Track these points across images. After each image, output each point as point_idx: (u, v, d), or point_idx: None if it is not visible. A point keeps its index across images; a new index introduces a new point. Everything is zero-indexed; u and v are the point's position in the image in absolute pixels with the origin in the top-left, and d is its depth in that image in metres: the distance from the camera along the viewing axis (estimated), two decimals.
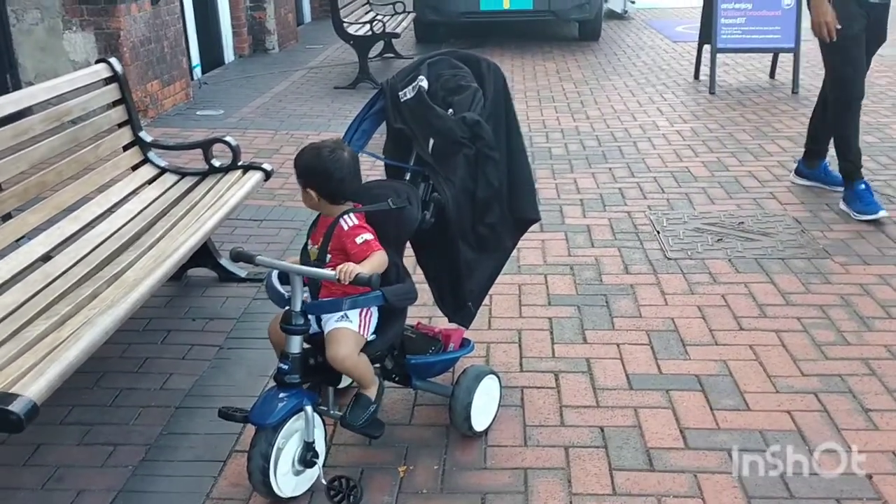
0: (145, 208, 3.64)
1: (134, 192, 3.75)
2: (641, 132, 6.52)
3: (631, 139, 6.33)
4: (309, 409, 2.37)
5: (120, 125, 3.86)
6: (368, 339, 2.47)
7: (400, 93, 2.60)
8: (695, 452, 2.65)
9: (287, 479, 2.38)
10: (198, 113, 7.37)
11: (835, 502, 2.43)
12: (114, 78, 3.83)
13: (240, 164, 3.93)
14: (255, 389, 2.88)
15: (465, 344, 2.85)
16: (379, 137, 2.70)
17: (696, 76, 8.46)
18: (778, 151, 5.88)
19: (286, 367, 2.36)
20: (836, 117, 4.65)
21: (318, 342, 2.46)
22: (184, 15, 8.14)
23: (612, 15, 13.31)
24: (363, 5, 10.18)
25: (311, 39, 11.57)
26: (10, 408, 2.05)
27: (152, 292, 2.84)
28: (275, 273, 2.47)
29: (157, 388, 3.07)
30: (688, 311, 3.59)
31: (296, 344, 2.36)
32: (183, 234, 3.28)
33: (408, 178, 2.62)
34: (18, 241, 3.06)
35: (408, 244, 2.65)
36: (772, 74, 8.34)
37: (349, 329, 2.41)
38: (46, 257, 3.07)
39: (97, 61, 3.92)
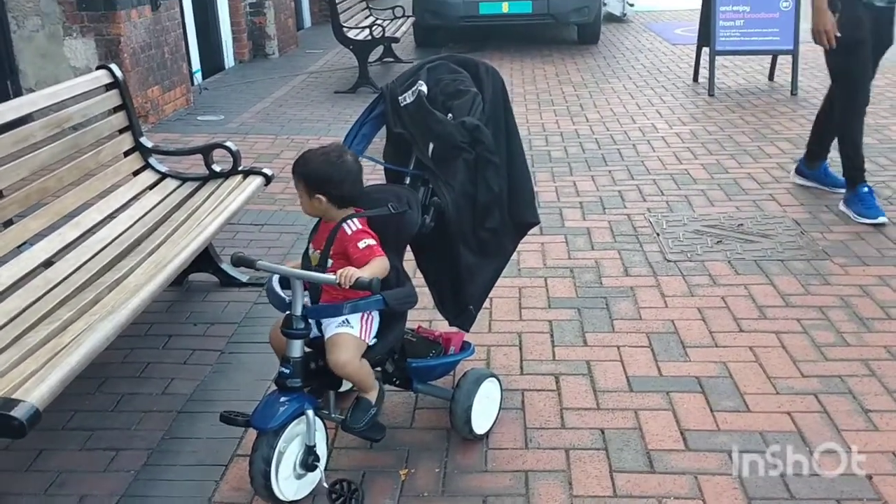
0: (146, 214, 3.65)
1: (135, 198, 3.76)
2: (641, 135, 6.53)
3: (630, 142, 6.34)
4: (310, 412, 2.37)
5: (121, 131, 3.88)
6: (369, 344, 2.48)
7: (400, 97, 2.61)
8: (695, 454, 2.66)
9: (289, 482, 2.39)
10: (198, 118, 7.39)
11: (835, 503, 2.43)
12: (114, 84, 3.84)
13: (240, 169, 3.95)
14: (257, 394, 2.88)
15: (465, 347, 2.86)
16: (379, 142, 2.71)
17: (695, 79, 8.47)
18: (777, 153, 5.89)
19: (287, 371, 2.36)
20: (842, 122, 4.65)
21: (318, 346, 2.47)
22: (184, 20, 8.16)
23: (611, 18, 13.33)
24: (363, 10, 10.20)
25: (311, 44, 11.59)
26: (12, 413, 2.06)
27: (153, 298, 2.84)
28: (275, 277, 2.48)
29: (158, 392, 3.08)
30: (688, 313, 3.60)
31: (297, 348, 2.37)
32: (184, 240, 3.29)
33: (407, 182, 2.63)
34: (20, 247, 3.06)
35: (408, 248, 2.66)
36: (770, 76, 8.35)
37: (350, 334, 2.42)
38: (48, 263, 3.08)
39: (98, 67, 3.93)
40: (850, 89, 4.53)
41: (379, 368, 2.67)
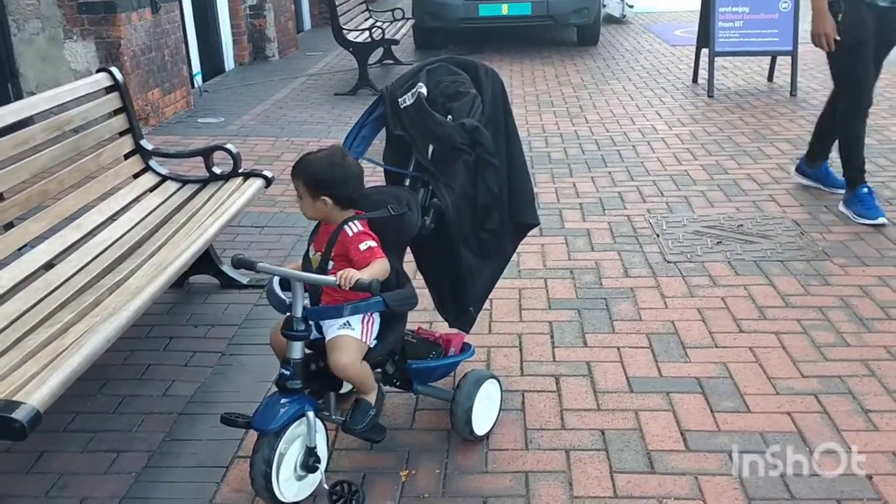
0: (147, 216, 3.66)
1: (135, 200, 3.77)
2: (640, 136, 6.54)
3: (630, 143, 6.34)
4: (311, 414, 2.38)
5: (121, 133, 3.88)
6: (370, 346, 2.49)
7: (399, 99, 2.62)
8: (695, 454, 2.66)
9: (289, 484, 2.39)
10: (199, 121, 7.39)
11: (835, 503, 2.43)
12: (114, 87, 3.85)
13: (240, 171, 3.95)
14: (258, 395, 2.88)
15: (465, 348, 2.87)
16: (378, 144, 2.71)
17: (695, 80, 8.48)
18: (776, 154, 5.90)
19: (288, 372, 2.37)
20: (844, 124, 4.64)
21: (319, 348, 2.47)
22: (184, 23, 8.17)
23: (611, 19, 13.35)
24: (363, 12, 10.21)
25: (310, 46, 11.61)
26: (13, 415, 2.06)
27: (154, 300, 2.85)
28: (276, 279, 2.49)
29: (159, 394, 3.08)
30: (688, 314, 3.60)
31: (297, 349, 2.38)
32: (184, 242, 3.29)
33: (407, 183, 2.64)
34: (21, 250, 3.07)
35: (408, 250, 2.67)
36: (770, 77, 8.36)
37: (351, 336, 2.42)
38: (49, 265, 3.09)
39: (98, 70, 3.94)
40: (852, 90, 4.52)
41: (379, 370, 2.68)
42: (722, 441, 2.72)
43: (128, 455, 2.72)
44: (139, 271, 3.09)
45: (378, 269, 2.37)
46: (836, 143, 4.77)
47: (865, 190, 4.59)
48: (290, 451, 2.37)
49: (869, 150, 5.34)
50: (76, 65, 6.61)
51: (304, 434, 2.39)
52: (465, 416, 2.66)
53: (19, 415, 2.06)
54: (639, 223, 4.68)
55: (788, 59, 7.78)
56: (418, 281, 2.80)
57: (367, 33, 8.74)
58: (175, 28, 7.51)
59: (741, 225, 4.60)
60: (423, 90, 2.60)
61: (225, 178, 3.95)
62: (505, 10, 10.31)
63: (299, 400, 2.37)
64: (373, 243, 2.41)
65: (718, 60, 8.14)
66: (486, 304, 3.24)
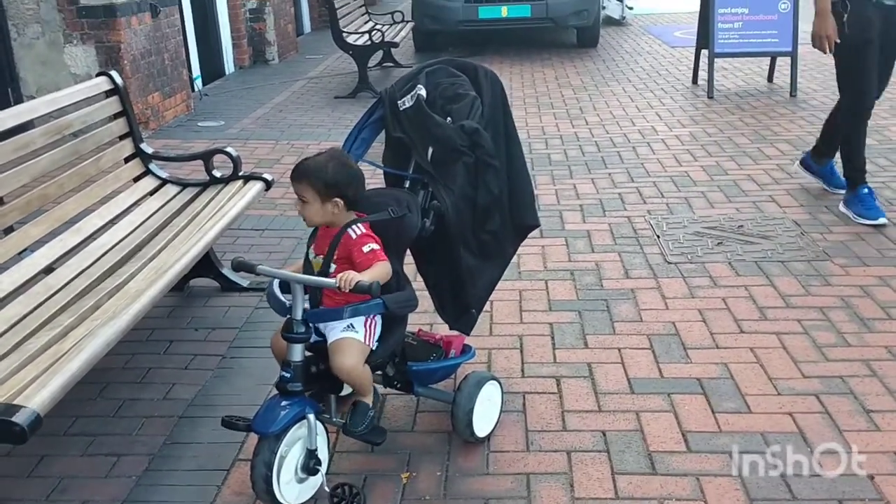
0: (147, 220, 3.66)
1: (135, 204, 3.77)
2: (640, 137, 6.54)
3: (630, 144, 6.34)
4: (311, 416, 2.38)
5: (121, 137, 3.89)
6: (372, 348, 2.48)
7: (399, 101, 2.62)
8: (697, 455, 2.66)
9: (290, 487, 2.39)
10: (199, 124, 7.40)
11: (837, 503, 2.43)
12: (114, 90, 3.85)
13: (240, 174, 3.95)
14: (258, 398, 2.88)
15: (466, 350, 2.86)
16: (378, 146, 2.71)
17: (695, 81, 8.48)
18: (777, 155, 5.90)
19: (288, 375, 2.37)
20: (845, 125, 4.64)
21: (319, 350, 2.47)
22: (184, 27, 8.18)
23: (610, 21, 13.34)
24: (362, 15, 10.22)
25: (310, 50, 11.61)
26: (13, 419, 2.06)
27: (154, 303, 2.85)
28: (276, 282, 2.49)
29: (160, 398, 3.08)
30: (688, 315, 3.60)
31: (297, 352, 2.37)
32: (184, 245, 3.29)
33: (407, 185, 2.64)
34: (21, 254, 3.07)
35: (408, 252, 2.67)
36: (769, 78, 8.36)
37: (355, 339, 2.42)
38: (49, 269, 3.09)
39: (98, 74, 3.95)
40: (855, 90, 4.51)
41: (380, 372, 2.68)
42: (723, 442, 2.72)
43: (128, 459, 2.72)
44: (139, 275, 3.09)
45: (379, 271, 2.37)
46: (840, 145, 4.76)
47: (866, 190, 4.58)
48: (290, 453, 2.36)
49: (869, 150, 5.33)
50: (76, 69, 6.62)
51: (305, 437, 2.39)
52: (466, 417, 2.66)
53: (19, 418, 2.06)
54: (639, 224, 4.67)
55: (788, 59, 7.78)
56: (418, 283, 2.80)
57: (366, 36, 8.75)
58: (175, 32, 7.52)
59: (741, 226, 4.59)
60: (423, 92, 2.61)
61: (225, 181, 3.96)
62: (504, 12, 10.31)
63: (300, 403, 2.37)
64: (375, 246, 2.41)
65: (718, 61, 8.13)
66: (487, 306, 3.24)
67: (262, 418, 2.34)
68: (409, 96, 2.61)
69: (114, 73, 3.89)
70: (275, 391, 2.43)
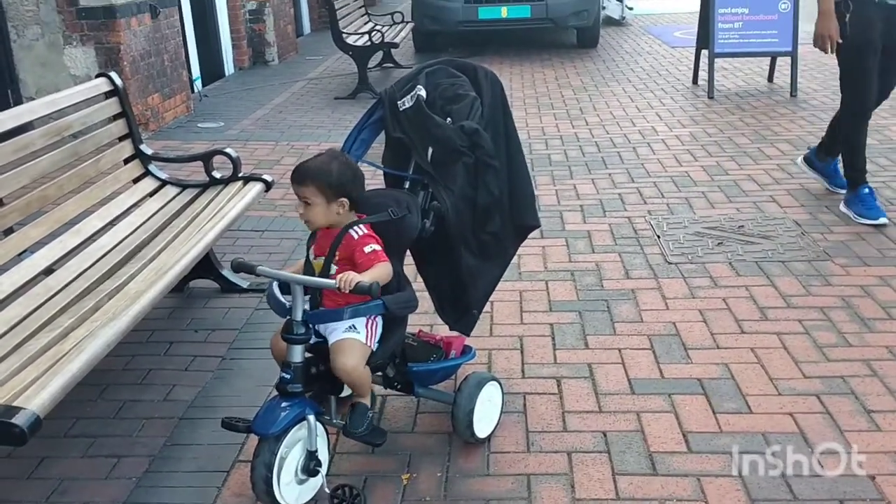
0: (146, 221, 3.66)
1: (135, 205, 3.77)
2: (641, 138, 6.53)
3: (630, 145, 6.34)
4: (311, 418, 2.37)
5: (120, 139, 3.88)
6: (373, 349, 2.48)
7: (398, 102, 2.61)
8: (698, 456, 2.65)
9: (290, 488, 2.38)
10: (198, 125, 7.40)
11: (838, 503, 2.43)
12: (114, 92, 3.85)
13: (240, 175, 3.95)
14: (258, 399, 2.88)
15: (466, 351, 2.86)
16: (377, 147, 2.71)
17: (695, 81, 8.47)
18: (777, 155, 5.89)
19: (288, 376, 2.36)
20: (846, 125, 4.63)
21: (319, 351, 2.47)
22: (184, 28, 8.18)
23: (610, 21, 13.34)
24: (362, 16, 10.22)
25: (310, 51, 11.61)
26: (13, 421, 2.06)
27: (154, 304, 2.85)
28: (276, 283, 2.48)
29: (160, 399, 3.08)
30: (689, 315, 3.59)
31: (297, 353, 2.37)
32: (184, 246, 3.29)
33: (407, 186, 2.63)
34: (20, 255, 3.07)
35: (408, 253, 2.66)
36: (770, 78, 8.36)
37: (357, 340, 2.42)
38: (48, 271, 3.08)
39: (97, 76, 3.94)
40: (855, 90, 4.50)
41: (380, 373, 2.68)
42: (724, 442, 2.71)
43: (128, 460, 2.72)
44: (139, 276, 3.08)
45: (380, 272, 2.36)
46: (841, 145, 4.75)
47: (867, 190, 4.58)
48: (291, 455, 2.36)
49: (869, 150, 5.32)
50: (76, 70, 6.62)
51: (305, 438, 2.39)
52: (467, 418, 2.65)
53: (19, 420, 2.06)
54: (639, 225, 4.67)
55: (788, 59, 7.78)
56: (418, 284, 2.79)
57: (366, 37, 8.75)
58: (175, 33, 7.51)
59: (742, 226, 4.59)
60: (423, 93, 2.60)
61: (225, 182, 3.95)
62: (504, 12, 10.31)
63: (300, 404, 2.37)
64: (377, 246, 2.41)
65: (718, 62, 8.13)
66: (487, 307, 3.24)
67: (262, 419, 2.34)
68: (408, 97, 2.61)
69: (113, 75, 3.89)
70: (275, 392, 2.43)
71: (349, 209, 2.45)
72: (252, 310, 3.76)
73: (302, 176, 2.42)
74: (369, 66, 8.76)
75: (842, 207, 4.69)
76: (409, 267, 2.67)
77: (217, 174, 3.99)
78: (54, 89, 5.89)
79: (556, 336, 3.46)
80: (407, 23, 10.35)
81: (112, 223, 3.57)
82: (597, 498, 2.48)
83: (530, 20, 10.42)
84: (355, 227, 2.43)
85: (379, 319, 2.49)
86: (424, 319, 3.31)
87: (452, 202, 2.56)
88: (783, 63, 8.15)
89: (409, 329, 2.72)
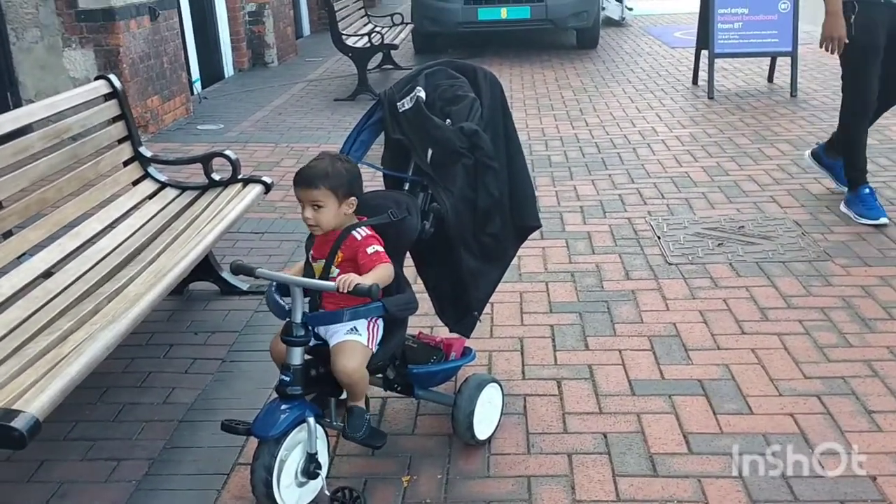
0: (146, 223, 3.65)
1: (134, 208, 3.76)
2: (641, 138, 6.53)
3: (630, 145, 6.34)
4: (311, 420, 2.37)
5: (120, 141, 3.88)
6: (373, 351, 2.48)
7: (398, 103, 2.61)
8: (698, 457, 2.65)
9: (290, 490, 2.38)
10: (198, 127, 7.40)
11: None
12: (113, 94, 3.85)
13: (240, 177, 3.95)
14: (258, 402, 2.88)
15: (466, 353, 2.85)
16: (377, 148, 2.71)
17: (695, 81, 8.47)
18: (777, 155, 5.89)
19: (288, 378, 2.36)
20: (846, 123, 4.63)
21: (319, 353, 2.46)
22: (183, 30, 8.18)
23: (610, 22, 13.35)
24: (361, 18, 10.22)
25: (310, 52, 11.61)
26: (12, 424, 2.05)
27: (154, 307, 2.84)
28: (275, 285, 2.48)
29: (160, 402, 3.07)
30: (689, 316, 3.59)
31: (297, 355, 2.37)
32: (184, 249, 3.29)
33: (406, 188, 2.63)
34: (19, 258, 3.06)
35: (408, 255, 2.66)
36: (770, 78, 8.35)
37: (359, 342, 2.42)
38: (47, 273, 3.08)
39: (96, 78, 3.94)
40: (857, 91, 4.50)
41: (380, 375, 2.67)
42: (725, 443, 2.71)
43: (128, 463, 2.71)
44: (138, 278, 3.08)
45: (382, 273, 2.36)
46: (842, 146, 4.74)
47: (867, 190, 4.57)
48: (290, 457, 2.36)
49: (870, 150, 5.32)
50: (75, 73, 6.62)
51: (305, 440, 2.38)
52: (467, 420, 2.65)
53: (19, 423, 2.06)
54: (639, 225, 4.67)
55: (788, 60, 7.77)
56: (418, 286, 2.79)
57: (366, 38, 8.75)
58: (174, 35, 7.51)
59: (742, 226, 4.59)
60: (422, 94, 2.60)
61: (224, 184, 3.95)
62: (504, 13, 10.31)
63: (300, 406, 2.36)
64: (379, 248, 2.41)
65: (718, 62, 8.13)
66: (487, 309, 3.23)
67: (262, 422, 2.33)
68: (408, 98, 2.60)
69: (112, 77, 3.89)
70: (274, 395, 2.43)
71: (357, 209, 2.45)
72: (252, 312, 3.76)
73: (311, 179, 2.38)
74: (369, 67, 8.76)
75: (842, 207, 4.68)
76: (409, 268, 2.67)
77: (216, 176, 3.99)
78: (53, 92, 5.89)
79: (557, 337, 3.45)
80: (406, 24, 10.35)
81: (111, 226, 3.56)
82: (597, 499, 2.48)
83: (530, 21, 10.42)
84: (358, 229, 2.42)
85: (380, 322, 2.49)
86: (425, 321, 3.30)
87: (452, 203, 2.56)
88: (783, 63, 8.14)
89: (410, 331, 2.72)
